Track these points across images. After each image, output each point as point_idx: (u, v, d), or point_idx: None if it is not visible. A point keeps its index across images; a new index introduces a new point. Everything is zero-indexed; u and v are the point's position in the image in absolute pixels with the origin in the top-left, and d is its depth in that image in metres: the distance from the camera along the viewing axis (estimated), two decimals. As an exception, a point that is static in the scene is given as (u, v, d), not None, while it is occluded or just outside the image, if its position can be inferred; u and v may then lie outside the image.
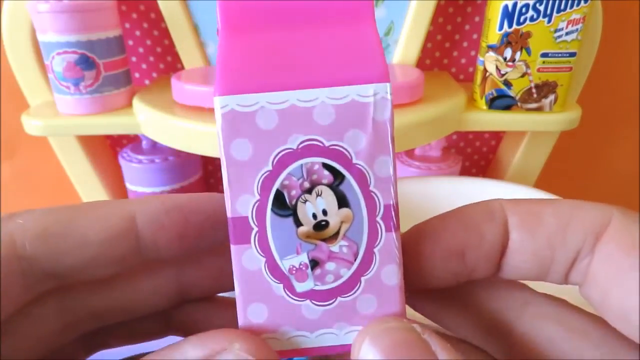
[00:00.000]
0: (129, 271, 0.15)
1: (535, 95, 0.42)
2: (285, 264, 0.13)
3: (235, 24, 0.13)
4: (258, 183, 0.12)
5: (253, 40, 0.13)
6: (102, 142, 0.54)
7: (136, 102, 0.43)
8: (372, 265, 0.13)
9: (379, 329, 0.12)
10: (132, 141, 0.55)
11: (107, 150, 0.55)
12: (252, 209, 0.12)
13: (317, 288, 0.13)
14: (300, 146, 0.12)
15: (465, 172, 0.59)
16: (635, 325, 0.10)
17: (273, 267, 0.13)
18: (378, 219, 0.12)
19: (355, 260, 0.13)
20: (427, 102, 0.41)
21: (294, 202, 0.12)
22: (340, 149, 0.12)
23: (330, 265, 0.13)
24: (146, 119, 0.41)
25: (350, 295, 0.13)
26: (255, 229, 0.13)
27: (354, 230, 0.12)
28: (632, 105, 0.56)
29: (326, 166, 0.12)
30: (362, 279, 0.13)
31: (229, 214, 0.13)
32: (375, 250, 0.12)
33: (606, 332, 0.12)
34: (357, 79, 0.12)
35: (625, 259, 0.11)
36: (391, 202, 0.12)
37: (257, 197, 0.12)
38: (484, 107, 0.43)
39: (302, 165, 0.12)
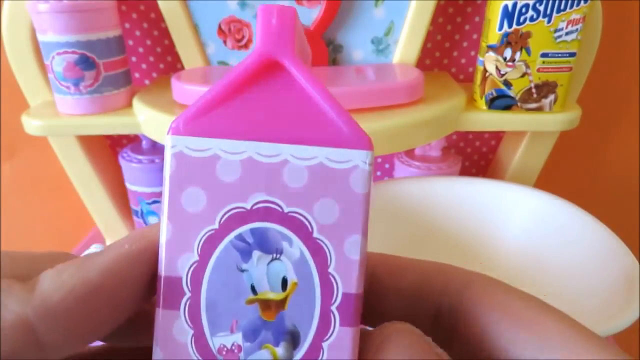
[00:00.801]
0: None
1: (535, 95, 0.42)
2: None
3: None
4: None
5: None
6: (102, 142, 0.54)
7: (136, 102, 0.43)
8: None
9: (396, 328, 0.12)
10: (132, 141, 0.55)
11: (107, 150, 0.55)
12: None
13: None
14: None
15: (465, 172, 0.59)
16: None
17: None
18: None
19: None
20: (427, 102, 0.41)
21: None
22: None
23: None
24: (146, 119, 0.41)
25: None
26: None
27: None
28: (632, 106, 0.56)
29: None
30: None
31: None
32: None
33: None
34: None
35: (487, 315, 0.12)
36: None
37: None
38: (484, 107, 0.43)
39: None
